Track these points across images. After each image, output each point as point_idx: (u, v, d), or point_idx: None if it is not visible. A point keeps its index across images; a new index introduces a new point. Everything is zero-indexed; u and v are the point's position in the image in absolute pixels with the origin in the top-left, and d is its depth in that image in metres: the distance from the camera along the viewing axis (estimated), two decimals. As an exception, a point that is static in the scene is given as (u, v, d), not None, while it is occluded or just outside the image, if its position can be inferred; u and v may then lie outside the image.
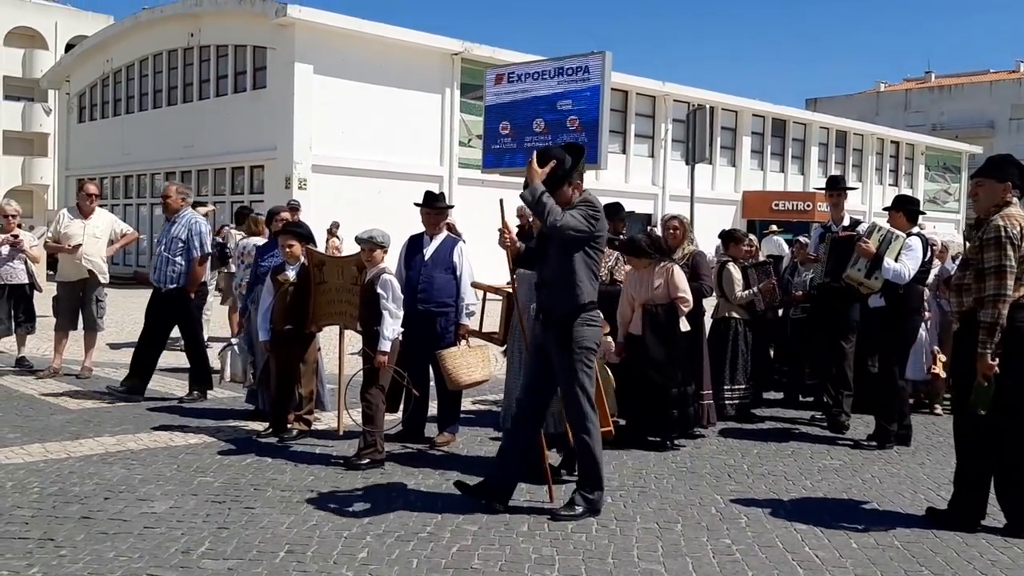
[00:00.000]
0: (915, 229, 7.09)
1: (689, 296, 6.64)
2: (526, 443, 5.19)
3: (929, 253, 7.14)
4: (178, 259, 8.11)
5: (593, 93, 14.25)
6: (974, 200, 5.17)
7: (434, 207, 6.71)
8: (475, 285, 6.60)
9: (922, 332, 7.75)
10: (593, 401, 5.03)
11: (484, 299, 6.48)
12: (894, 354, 6.93)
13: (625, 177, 28.40)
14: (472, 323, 6.68)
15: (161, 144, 26.15)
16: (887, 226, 6.99)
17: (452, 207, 7.37)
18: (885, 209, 7.47)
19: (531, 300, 5.62)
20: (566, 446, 5.61)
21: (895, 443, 6.95)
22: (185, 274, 8.13)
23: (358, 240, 6.17)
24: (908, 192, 38.19)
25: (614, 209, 8.56)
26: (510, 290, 5.92)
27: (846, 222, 7.71)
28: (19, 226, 9.56)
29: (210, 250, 8.34)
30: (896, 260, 6.74)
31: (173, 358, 10.67)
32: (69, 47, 38.04)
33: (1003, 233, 4.82)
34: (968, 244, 5.62)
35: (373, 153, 22.56)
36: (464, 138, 24.29)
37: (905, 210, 7.13)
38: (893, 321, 6.89)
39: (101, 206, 9.55)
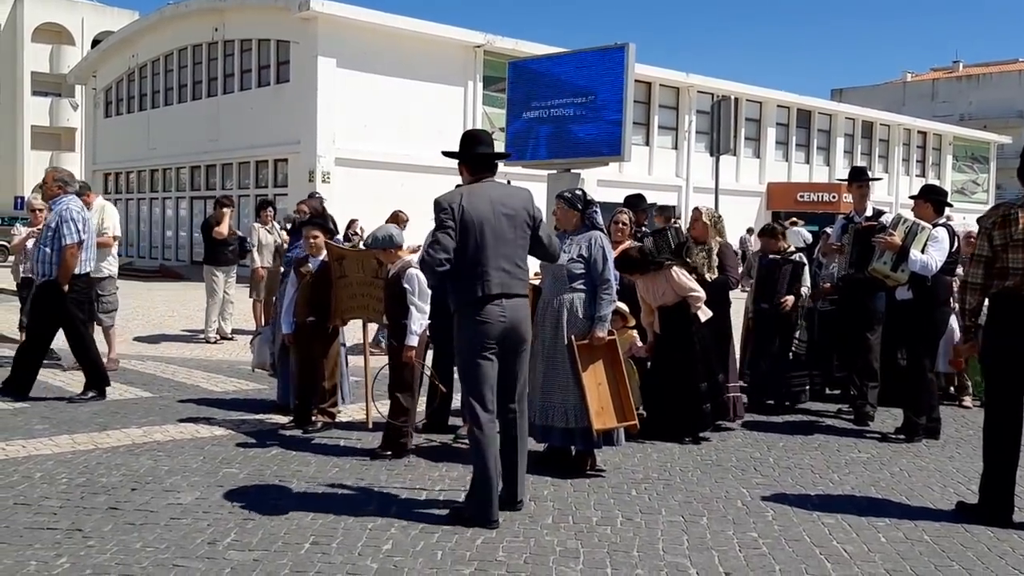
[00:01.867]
0: (941, 220, 6.98)
1: (698, 291, 6.56)
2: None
3: (957, 244, 7.04)
4: (47, 249, 7.62)
5: (616, 85, 14.25)
6: None
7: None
8: None
9: (952, 323, 7.64)
10: (475, 404, 4.71)
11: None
12: (923, 346, 6.85)
13: (648, 169, 28.28)
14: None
15: (186, 138, 26.33)
16: (912, 217, 6.89)
17: None
18: (912, 198, 7.37)
19: (555, 292, 5.59)
20: (586, 442, 5.59)
21: (924, 436, 6.87)
22: (54, 264, 7.57)
23: (375, 244, 6.16)
24: (936, 183, 37.77)
25: (634, 200, 8.51)
26: (536, 283, 5.89)
27: (869, 212, 7.63)
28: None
29: (82, 237, 7.60)
30: (922, 252, 6.65)
31: (200, 350, 10.77)
32: (95, 43, 38.40)
33: (982, 224, 5.08)
34: None
35: (396, 146, 22.59)
36: (487, 131, 24.26)
37: (932, 200, 7.02)
38: (921, 313, 6.81)
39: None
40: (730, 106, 14.07)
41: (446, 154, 5.13)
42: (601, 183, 22.75)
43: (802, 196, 31.42)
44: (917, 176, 38.13)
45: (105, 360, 9.27)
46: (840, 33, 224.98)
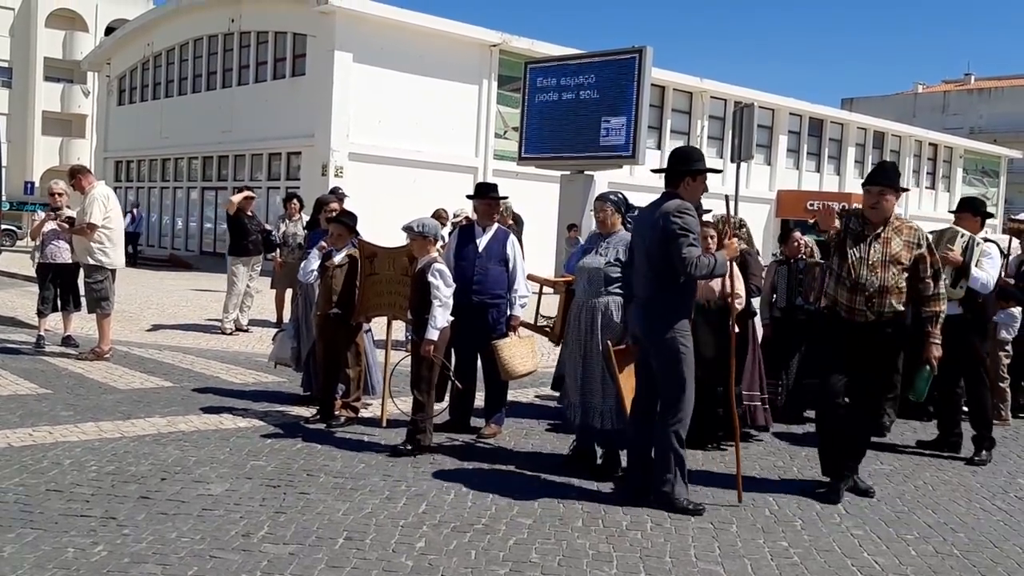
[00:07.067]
0: (981, 234, 6.87)
1: (743, 296, 6.57)
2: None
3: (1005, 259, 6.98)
4: None
5: (632, 88, 14.26)
6: None
7: (487, 198, 6.69)
8: (531, 278, 6.57)
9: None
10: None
11: (540, 292, 6.43)
12: (973, 361, 6.68)
13: (660, 173, 28.24)
14: (522, 315, 6.66)
15: (199, 129, 26.33)
16: (968, 232, 6.63)
17: (506, 198, 7.32)
18: (952, 212, 7.26)
19: (590, 295, 5.59)
20: (614, 444, 5.59)
21: (988, 450, 6.71)
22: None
23: (411, 232, 6.16)
24: (946, 196, 37.73)
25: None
26: (568, 282, 5.90)
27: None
28: (68, 207, 9.65)
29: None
30: (977, 267, 6.52)
31: (216, 341, 10.78)
32: (109, 30, 38.42)
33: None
34: None
35: (409, 142, 22.59)
36: (500, 129, 24.27)
37: (980, 214, 6.90)
38: (972, 329, 6.63)
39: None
40: (752, 113, 14.08)
41: (655, 171, 5.58)
42: (612, 186, 22.74)
43: (812, 204, 31.31)
44: (927, 188, 38.09)
45: (94, 348, 9.17)
46: (852, 42, 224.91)
